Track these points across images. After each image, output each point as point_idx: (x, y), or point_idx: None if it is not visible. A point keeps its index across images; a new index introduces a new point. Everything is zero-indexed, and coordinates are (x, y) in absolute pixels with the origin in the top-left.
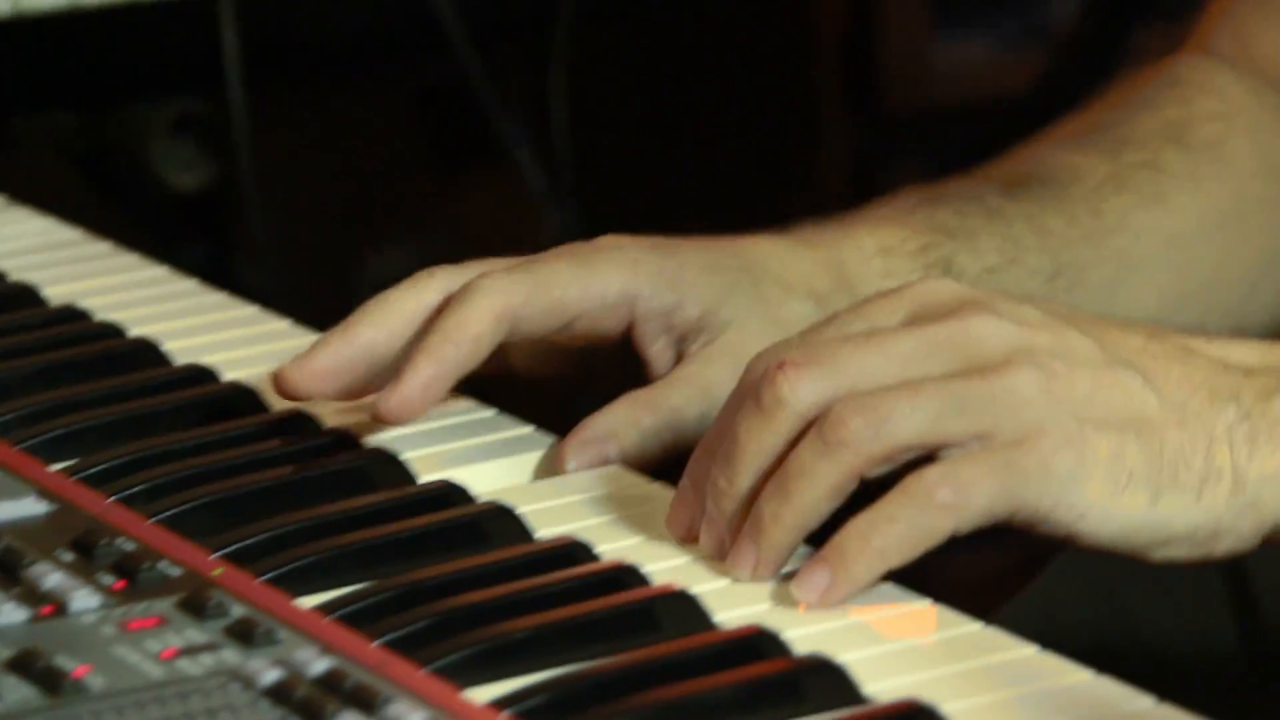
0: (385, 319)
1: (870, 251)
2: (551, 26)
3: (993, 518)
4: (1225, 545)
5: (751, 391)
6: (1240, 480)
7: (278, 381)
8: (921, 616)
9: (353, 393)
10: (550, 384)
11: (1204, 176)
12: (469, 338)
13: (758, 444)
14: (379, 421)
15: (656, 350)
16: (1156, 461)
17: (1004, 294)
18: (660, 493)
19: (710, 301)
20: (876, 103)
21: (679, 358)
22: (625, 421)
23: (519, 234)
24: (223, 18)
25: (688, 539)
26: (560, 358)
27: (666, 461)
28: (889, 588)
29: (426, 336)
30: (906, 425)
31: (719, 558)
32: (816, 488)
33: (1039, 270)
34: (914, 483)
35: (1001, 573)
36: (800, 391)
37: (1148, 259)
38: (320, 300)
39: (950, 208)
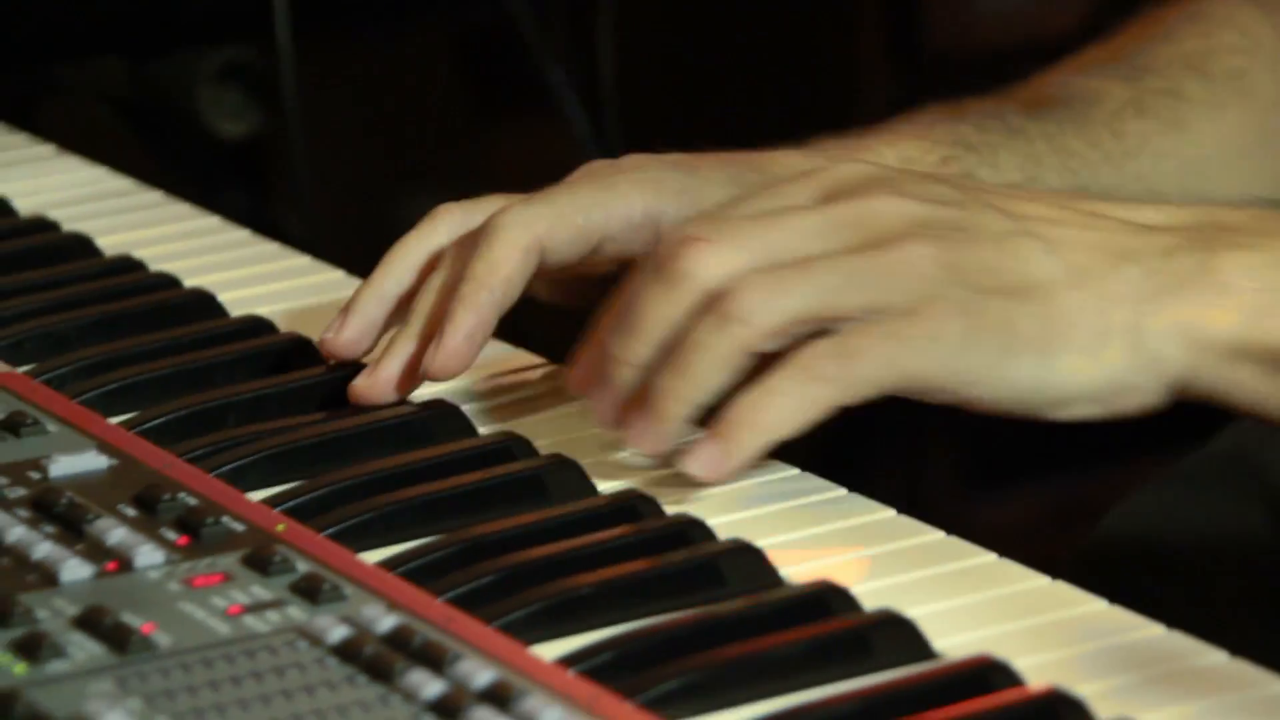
0: (406, 269)
1: (890, 163)
2: None
3: (881, 389)
4: (1132, 402)
5: (657, 264)
6: (1140, 336)
7: (322, 348)
8: (987, 571)
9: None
10: (578, 312)
11: (1225, 105)
12: (501, 280)
13: (657, 314)
14: (430, 379)
15: None
16: (1049, 323)
17: (918, 173)
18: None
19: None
20: (920, 45)
21: None
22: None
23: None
24: None
25: (582, 394)
26: (586, 285)
27: None
28: (955, 541)
29: (461, 285)
30: (797, 299)
31: (611, 425)
32: (709, 361)
33: (1060, 190)
34: (798, 355)
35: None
36: (704, 265)
37: (1168, 183)
38: (366, 247)
39: (971, 123)
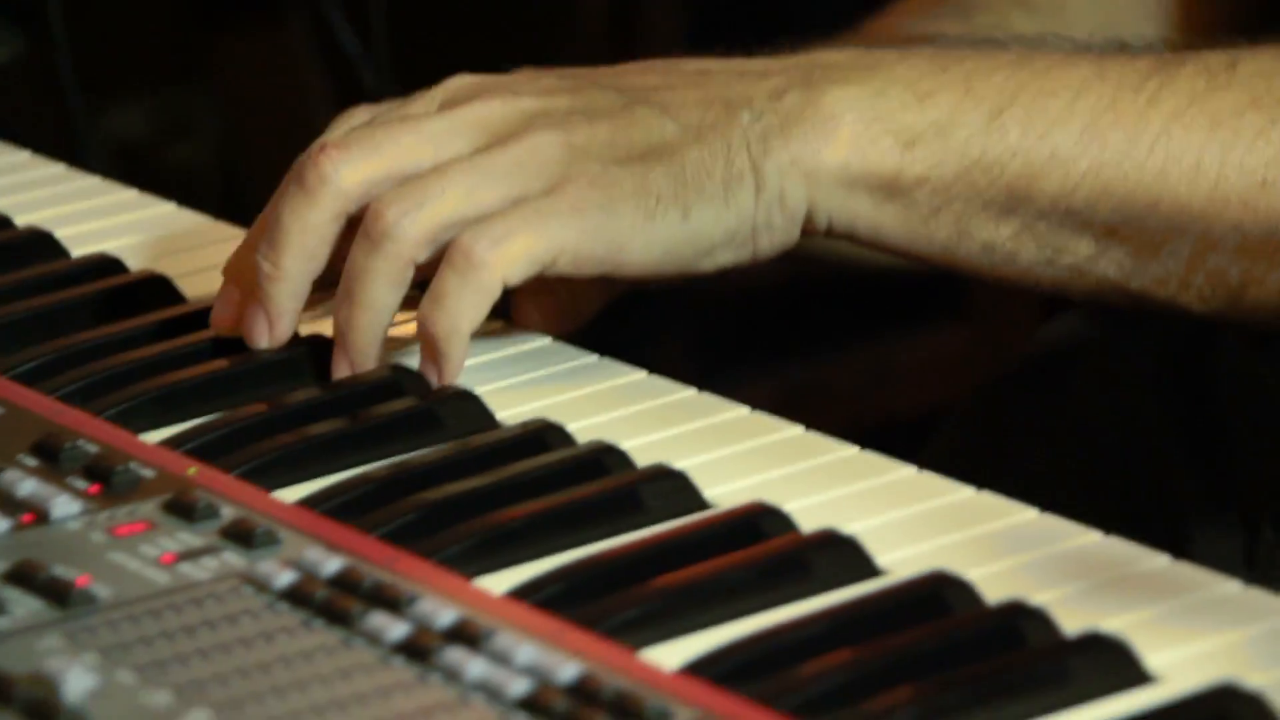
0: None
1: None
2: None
3: (539, 264)
4: (767, 242)
5: (295, 176)
6: (761, 177)
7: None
8: (913, 483)
9: None
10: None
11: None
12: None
13: (302, 222)
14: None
15: None
16: (680, 180)
17: (528, 72)
18: (611, 367)
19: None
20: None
21: None
22: None
23: (333, 93)
24: None
25: (231, 330)
26: (576, 311)
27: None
28: (873, 456)
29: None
30: (441, 204)
31: (267, 342)
32: (376, 283)
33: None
34: (453, 250)
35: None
36: (341, 169)
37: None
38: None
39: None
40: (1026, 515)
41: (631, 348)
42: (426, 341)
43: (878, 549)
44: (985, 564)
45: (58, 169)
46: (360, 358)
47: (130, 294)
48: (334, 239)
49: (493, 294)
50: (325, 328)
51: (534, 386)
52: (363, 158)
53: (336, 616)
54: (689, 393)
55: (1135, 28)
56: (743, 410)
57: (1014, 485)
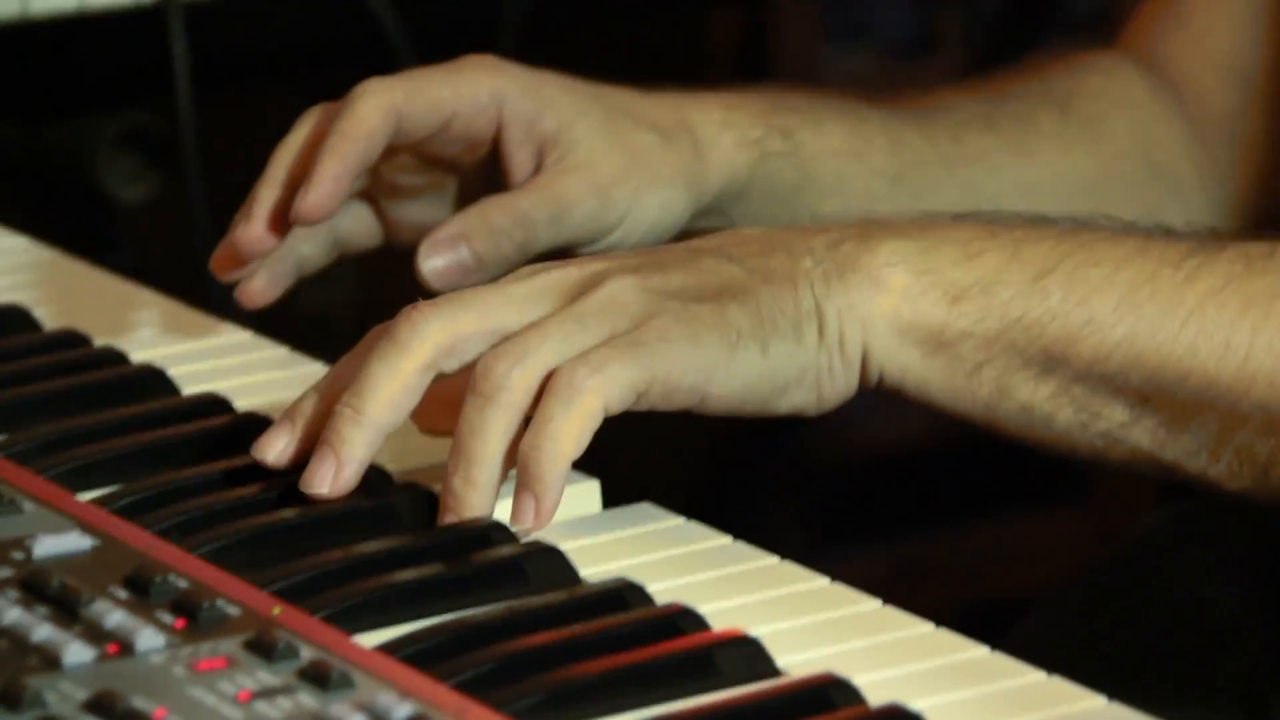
0: (295, 157)
1: (712, 105)
2: (497, 35)
3: (634, 391)
4: (831, 390)
5: (385, 332)
6: (824, 318)
7: (236, 245)
8: (984, 664)
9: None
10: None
11: (1075, 142)
12: (364, 133)
13: (391, 369)
14: (299, 223)
15: (520, 160)
16: (756, 316)
17: (596, 255)
18: (704, 532)
19: (566, 117)
20: None
21: (536, 172)
22: (477, 221)
23: None
24: (172, 28)
25: (278, 464)
26: (441, 175)
27: (517, 263)
28: (948, 634)
29: (326, 140)
30: (543, 353)
31: (328, 488)
32: (491, 439)
33: (884, 172)
34: (554, 381)
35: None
36: (433, 323)
37: (1002, 200)
38: (270, 310)
39: (806, 97)
40: (1094, 703)
41: (744, 514)
42: (528, 473)
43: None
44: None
45: (174, 307)
46: (471, 514)
47: (235, 433)
48: (419, 394)
49: (595, 420)
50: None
51: (620, 546)
52: (452, 315)
53: None
54: (771, 560)
55: (1167, 157)
56: (822, 581)
57: (1101, 669)
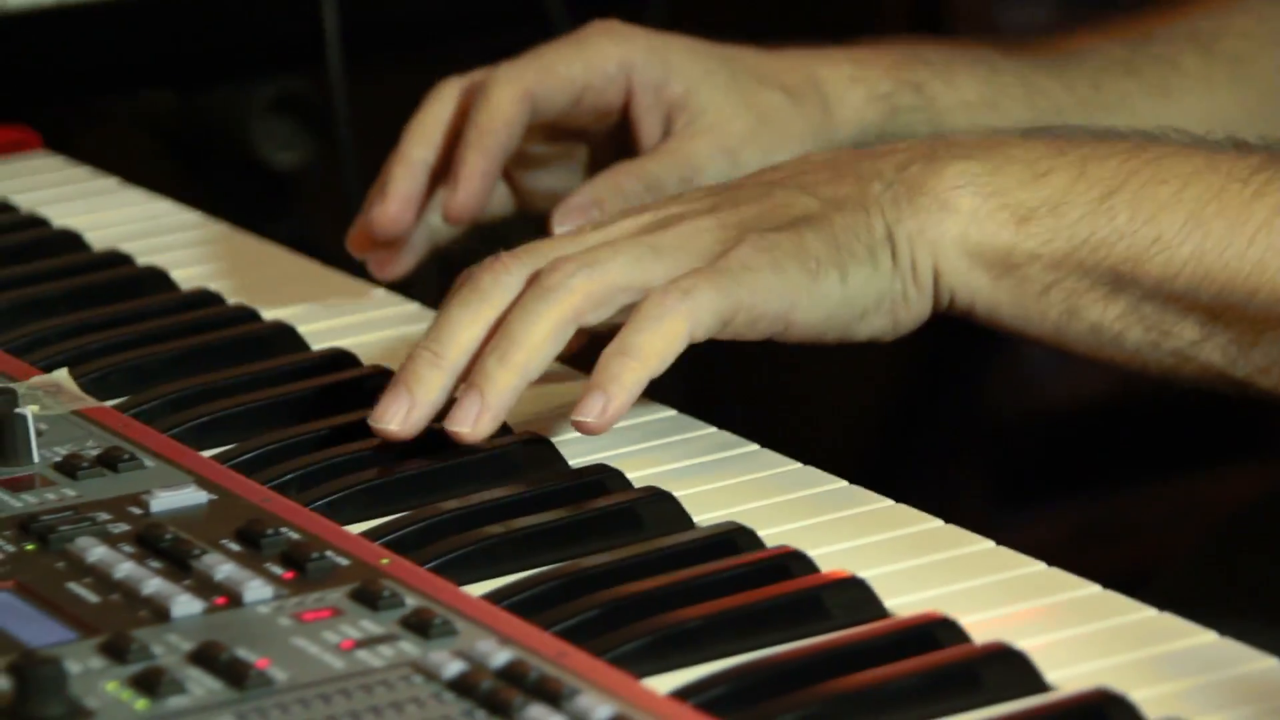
0: (428, 136)
1: (841, 60)
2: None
3: (721, 319)
4: (906, 314)
5: (468, 278)
6: (895, 243)
7: (373, 226)
8: (1092, 603)
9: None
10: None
11: (1219, 83)
12: (503, 124)
13: (472, 315)
14: (450, 220)
15: (649, 125)
16: (833, 243)
17: (669, 196)
18: (815, 475)
19: (693, 81)
20: None
21: (665, 137)
22: (609, 187)
23: None
24: None
25: (401, 431)
26: (571, 144)
27: None
28: (1055, 573)
29: (466, 133)
30: (612, 266)
31: (399, 425)
32: (538, 327)
33: (1020, 122)
34: (644, 302)
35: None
36: (514, 272)
37: None
38: (419, 274)
39: (936, 46)
40: (1206, 638)
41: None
42: (605, 372)
43: (1048, 665)
44: (1155, 685)
45: (312, 267)
46: (496, 398)
47: (359, 388)
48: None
49: (680, 343)
50: None
51: (735, 491)
52: (533, 263)
53: (498, 707)
54: (886, 503)
55: None
56: (936, 522)
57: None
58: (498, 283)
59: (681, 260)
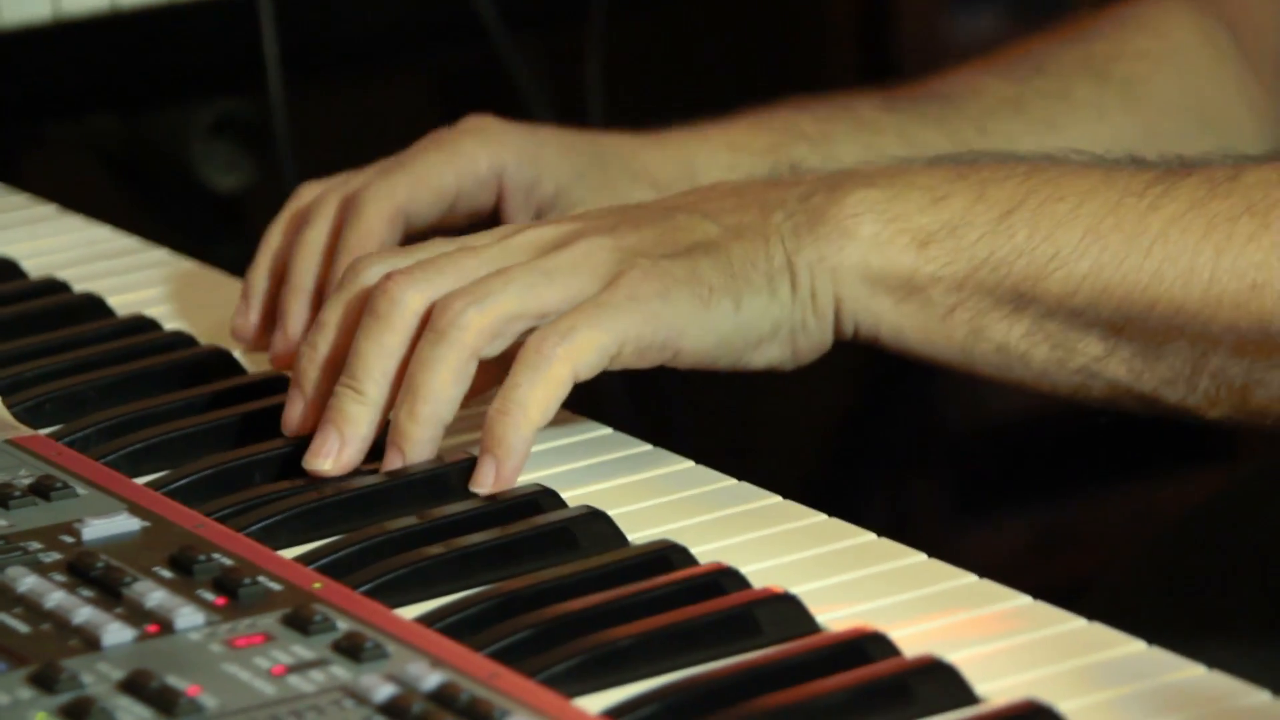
0: (316, 261)
1: (718, 146)
2: (585, 15)
3: (605, 354)
4: (806, 343)
5: (366, 306)
6: (795, 272)
7: (236, 337)
8: (1022, 614)
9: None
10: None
11: (1112, 108)
12: (373, 245)
13: (378, 346)
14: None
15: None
16: (729, 271)
17: (574, 214)
18: (749, 491)
19: (565, 180)
20: (891, 78)
21: None
22: None
23: None
24: (262, 16)
25: (301, 432)
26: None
27: None
28: (987, 584)
29: (336, 257)
30: (504, 297)
31: (331, 465)
32: (439, 375)
33: None
34: (524, 349)
35: (1018, 553)
36: (409, 292)
37: None
38: None
39: (814, 114)
40: (1134, 647)
41: (877, 485)
42: (492, 436)
43: (978, 677)
44: (1083, 695)
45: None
46: (415, 451)
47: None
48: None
49: (564, 389)
50: None
51: (669, 508)
52: (427, 280)
53: None
54: (819, 518)
55: (1218, 105)
56: (869, 536)
57: (1185, 622)
58: (395, 305)
59: (573, 284)
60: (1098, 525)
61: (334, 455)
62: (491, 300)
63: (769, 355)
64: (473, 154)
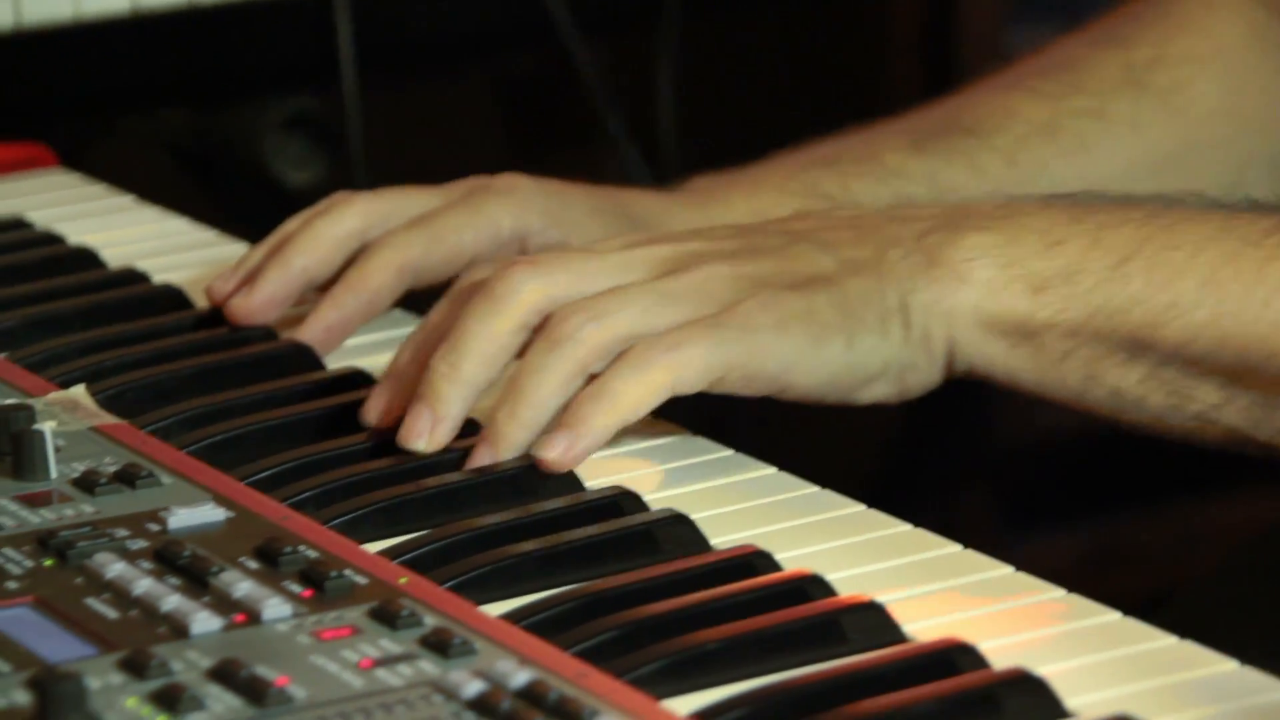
0: (315, 247)
1: (742, 214)
2: (658, 19)
3: (710, 374)
4: (917, 380)
5: (482, 287)
6: (909, 313)
7: (227, 311)
8: (1111, 630)
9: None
10: None
11: (1146, 122)
12: (370, 289)
13: (488, 329)
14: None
15: None
16: (844, 309)
17: (694, 230)
18: (832, 499)
19: (592, 241)
20: (952, 87)
21: None
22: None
23: None
24: (337, 14)
25: (382, 423)
26: None
27: None
28: (1075, 599)
29: (334, 286)
30: (621, 317)
31: (425, 443)
32: (547, 382)
33: None
34: (628, 352)
35: (1067, 569)
36: (529, 283)
37: None
38: (434, 293)
39: (838, 171)
40: (1226, 666)
41: (931, 497)
42: (574, 414)
43: (1068, 691)
44: (1174, 713)
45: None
46: (507, 451)
47: None
48: (513, 351)
49: (659, 395)
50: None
51: (752, 514)
52: (549, 275)
53: None
54: (904, 527)
55: (1260, 106)
56: (955, 547)
57: (1259, 641)
58: (513, 292)
59: (690, 310)
60: (1152, 543)
61: (426, 434)
62: (610, 319)
63: (876, 392)
64: (495, 216)
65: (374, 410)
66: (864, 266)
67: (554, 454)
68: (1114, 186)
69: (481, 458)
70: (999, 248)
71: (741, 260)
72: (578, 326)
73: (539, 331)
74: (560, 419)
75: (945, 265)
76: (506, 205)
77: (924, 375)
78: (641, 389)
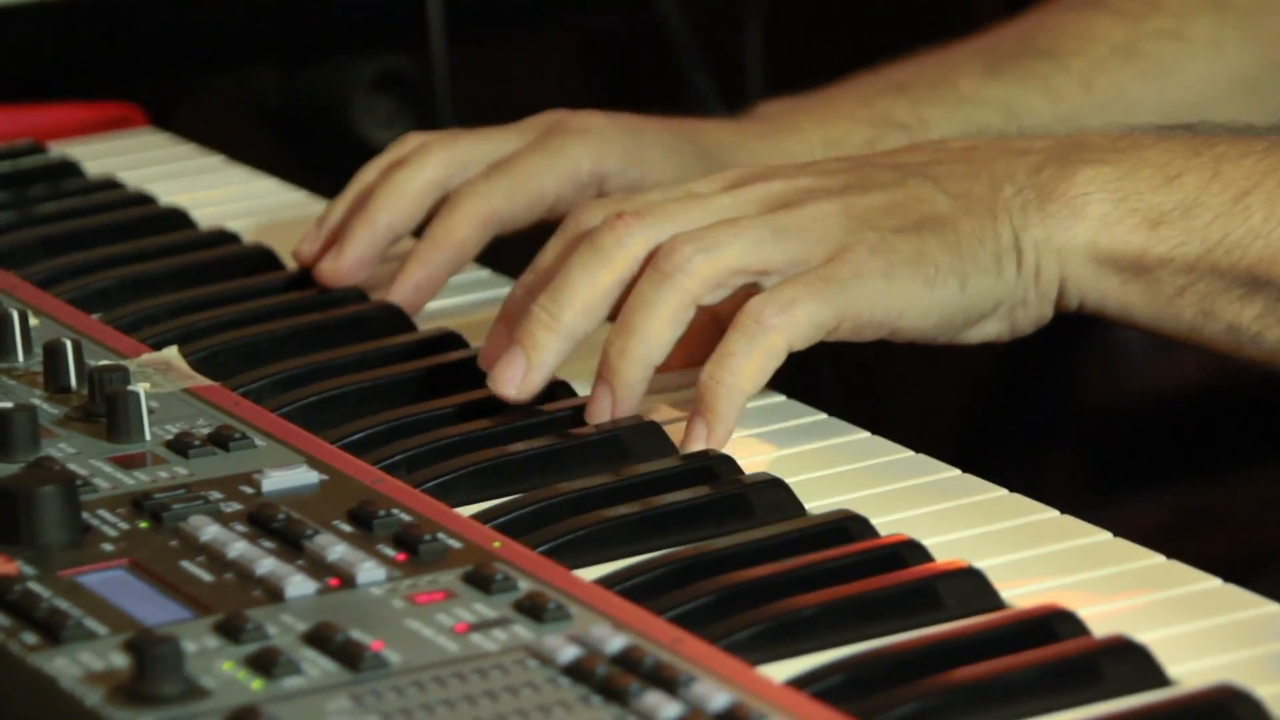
0: (399, 202)
1: (815, 143)
2: None
3: (823, 329)
4: (1028, 317)
5: (587, 237)
6: (1022, 250)
7: (316, 274)
8: (1212, 597)
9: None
10: None
11: (1227, 43)
12: (455, 244)
13: (591, 279)
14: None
15: None
16: (955, 250)
17: (806, 162)
18: (927, 464)
19: (668, 179)
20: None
21: None
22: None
23: None
24: None
25: (520, 395)
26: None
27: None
28: (1174, 565)
29: (419, 243)
30: (731, 250)
31: (515, 389)
32: (658, 317)
33: None
34: (741, 315)
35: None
36: (636, 236)
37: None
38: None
39: (910, 99)
40: None
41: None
42: (704, 402)
43: (1169, 659)
44: (1278, 683)
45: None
46: (626, 390)
47: (468, 369)
48: (614, 303)
49: (778, 358)
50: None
51: (847, 479)
52: (657, 225)
53: (613, 694)
54: (1000, 492)
55: None
56: (1051, 512)
57: None
58: (619, 245)
59: (799, 247)
60: (1239, 508)
61: (518, 381)
62: (719, 250)
63: (986, 331)
64: (575, 158)
65: (489, 356)
66: (976, 203)
67: (697, 446)
68: (1193, 111)
69: (599, 398)
70: (1114, 181)
71: (852, 197)
72: (687, 258)
73: (648, 263)
74: (694, 409)
75: (1059, 200)
76: (585, 147)
77: (1035, 311)
78: (761, 358)
